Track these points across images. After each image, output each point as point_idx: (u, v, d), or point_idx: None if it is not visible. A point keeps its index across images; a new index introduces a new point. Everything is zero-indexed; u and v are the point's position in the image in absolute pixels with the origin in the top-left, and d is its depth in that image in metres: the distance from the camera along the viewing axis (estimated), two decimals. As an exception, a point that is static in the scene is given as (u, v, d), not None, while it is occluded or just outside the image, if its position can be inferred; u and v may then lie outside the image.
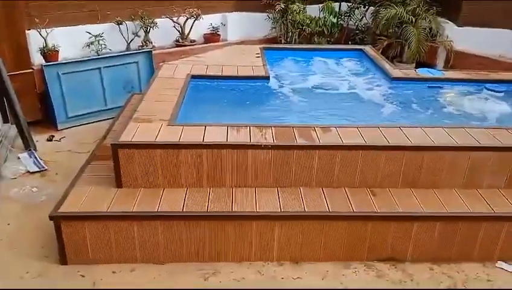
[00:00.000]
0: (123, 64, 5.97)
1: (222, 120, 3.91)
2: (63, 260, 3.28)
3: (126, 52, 6.12)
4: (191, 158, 3.42)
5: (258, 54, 5.88)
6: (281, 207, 3.35)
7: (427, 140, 3.60)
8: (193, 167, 3.44)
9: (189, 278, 3.23)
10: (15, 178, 4.41)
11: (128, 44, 6.37)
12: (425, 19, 7.17)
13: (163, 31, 6.68)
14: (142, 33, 6.48)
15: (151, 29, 6.50)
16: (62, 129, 5.51)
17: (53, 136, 5.34)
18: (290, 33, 7.69)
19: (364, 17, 8.16)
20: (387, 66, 5.57)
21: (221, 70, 5.18)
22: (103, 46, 6.04)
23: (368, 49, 6.34)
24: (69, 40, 5.83)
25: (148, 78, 5.57)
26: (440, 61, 7.42)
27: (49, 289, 3.08)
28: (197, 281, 3.21)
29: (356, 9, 8.11)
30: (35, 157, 4.72)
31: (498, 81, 5.12)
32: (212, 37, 7.33)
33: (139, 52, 6.15)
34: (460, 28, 7.23)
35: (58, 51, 5.69)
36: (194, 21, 6.91)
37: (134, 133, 3.53)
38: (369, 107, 4.71)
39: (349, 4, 8.17)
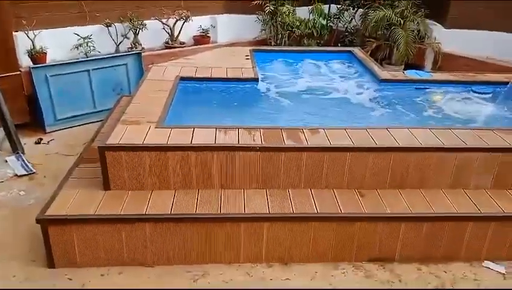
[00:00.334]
0: (112, 66, 5.95)
1: (211, 122, 3.91)
2: (51, 263, 3.26)
3: (115, 54, 6.10)
4: (179, 160, 3.41)
5: (248, 56, 5.88)
6: (269, 208, 3.36)
7: (414, 141, 3.63)
8: (181, 169, 3.43)
9: (178, 280, 3.22)
10: (2, 181, 4.37)
11: (117, 46, 6.35)
12: (413, 21, 7.23)
13: (152, 33, 6.67)
14: (131, 35, 6.47)
15: (141, 31, 6.49)
16: (50, 132, 5.48)
17: (41, 138, 5.30)
18: (280, 35, 7.72)
19: (353, 19, 8.21)
20: (375, 68, 5.60)
21: (211, 72, 5.18)
22: (92, 48, 6.01)
23: (356, 51, 6.38)
24: (57, 42, 5.80)
25: (137, 80, 5.55)
26: (428, 63, 7.50)
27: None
28: (185, 283, 3.20)
29: (345, 12, 8.17)
30: (23, 161, 4.68)
31: (485, 83, 5.17)
32: (201, 39, 7.33)
33: (128, 54, 6.13)
34: (447, 30, 7.31)
35: (46, 53, 5.65)
36: (184, 23, 6.91)
37: (121, 135, 3.51)
38: (357, 109, 4.74)
39: (338, 6, 8.22)
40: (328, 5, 8.22)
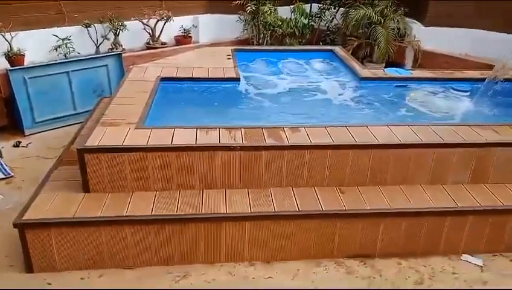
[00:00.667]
0: (92, 67, 5.89)
1: (192, 122, 3.90)
2: (29, 268, 3.21)
3: (95, 56, 6.03)
4: (159, 161, 3.39)
5: (229, 55, 5.88)
6: (251, 208, 3.36)
7: (394, 138, 3.67)
8: (162, 170, 3.41)
9: (159, 281, 3.21)
10: (-21, 186, 4.30)
11: (97, 47, 6.29)
12: (393, 19, 7.32)
13: (133, 34, 6.62)
14: (111, 36, 6.41)
15: (121, 31, 6.44)
16: (29, 135, 5.40)
17: (20, 142, 5.22)
18: (262, 34, 7.73)
19: (334, 18, 8.27)
20: (356, 66, 5.65)
21: (192, 72, 5.16)
22: (71, 49, 5.94)
23: (338, 49, 6.42)
24: (36, 44, 5.71)
25: (118, 82, 5.49)
26: (409, 60, 7.59)
27: None
28: (167, 284, 3.18)
29: (327, 11, 8.21)
30: (1, 164, 4.60)
31: (463, 80, 5.26)
32: (183, 39, 7.30)
33: (109, 55, 6.08)
34: (427, 28, 7.41)
35: (24, 55, 5.56)
36: (165, 23, 6.87)
37: (101, 137, 3.48)
38: (338, 107, 4.78)
39: (319, 5, 8.27)
40: (309, 4, 8.26)
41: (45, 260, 3.20)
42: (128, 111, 3.98)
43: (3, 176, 4.44)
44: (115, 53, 6.14)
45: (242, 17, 7.74)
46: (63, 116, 5.68)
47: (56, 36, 5.87)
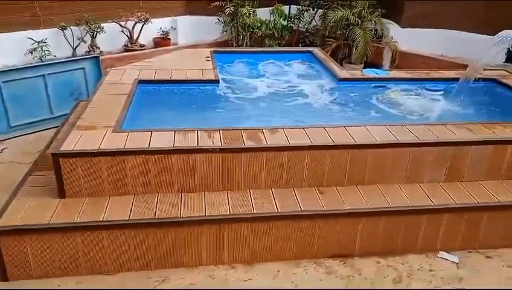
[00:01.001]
0: (69, 70, 5.79)
1: (170, 125, 3.87)
2: (4, 276, 3.14)
3: (72, 58, 5.95)
4: (136, 165, 3.36)
5: (208, 57, 5.86)
6: (231, 210, 3.36)
7: (371, 138, 3.71)
8: (139, 173, 3.38)
9: (138, 287, 3.17)
10: (-48, 193, 4.17)
11: (74, 50, 6.23)
12: (370, 20, 7.43)
13: (111, 36, 6.58)
14: (88, 38, 6.35)
15: (98, 34, 6.38)
16: (4, 140, 5.27)
17: (-6, 147, 5.11)
18: (241, 36, 7.75)
19: (313, 20, 8.35)
20: (334, 67, 5.70)
21: (170, 74, 5.13)
22: (47, 52, 5.85)
23: (316, 51, 6.47)
24: (10, 47, 5.61)
25: (96, 84, 5.42)
26: (386, 61, 7.72)
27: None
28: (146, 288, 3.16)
29: (305, 12, 8.29)
30: (-26, 170, 4.50)
31: (438, 80, 5.36)
32: (162, 41, 7.28)
33: (86, 57, 5.99)
34: (403, 29, 7.54)
35: (-3, 59, 5.46)
36: (143, 25, 6.84)
37: (77, 141, 3.43)
38: (316, 108, 4.81)
39: (298, 7, 8.33)
40: (288, 6, 8.32)
41: (20, 268, 3.13)
42: (105, 114, 3.93)
43: (-23, 183, 4.33)
44: (92, 56, 6.06)
45: (221, 18, 7.74)
46: (39, 121, 5.58)
47: (31, 39, 5.77)
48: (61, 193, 3.34)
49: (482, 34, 6.35)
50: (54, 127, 5.32)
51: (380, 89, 5.26)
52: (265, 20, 7.90)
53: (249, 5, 7.69)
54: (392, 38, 7.56)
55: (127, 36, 6.80)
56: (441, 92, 5.06)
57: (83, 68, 5.90)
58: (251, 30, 7.68)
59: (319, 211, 3.40)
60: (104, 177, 3.34)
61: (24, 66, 5.49)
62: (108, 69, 5.37)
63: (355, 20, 7.32)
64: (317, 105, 4.87)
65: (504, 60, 6.61)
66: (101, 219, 3.16)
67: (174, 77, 5.06)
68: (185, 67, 5.39)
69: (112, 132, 3.61)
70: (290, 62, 6.19)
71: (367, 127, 3.91)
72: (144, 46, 7.03)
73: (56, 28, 6.01)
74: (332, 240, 3.47)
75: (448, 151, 3.72)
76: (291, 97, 5.08)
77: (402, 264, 3.48)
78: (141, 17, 6.74)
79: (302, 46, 8.06)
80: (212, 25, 7.78)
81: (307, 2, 8.21)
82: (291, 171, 3.60)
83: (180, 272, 3.32)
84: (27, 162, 4.58)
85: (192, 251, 3.33)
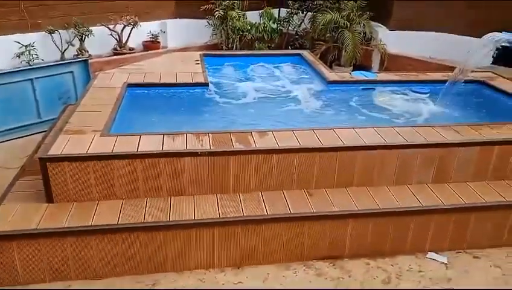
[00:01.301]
0: (57, 74, 5.75)
1: (159, 129, 3.86)
2: (-10, 283, 3.11)
3: (60, 62, 5.91)
4: (125, 169, 3.34)
5: (198, 60, 5.86)
6: (220, 213, 3.36)
7: (359, 140, 3.73)
8: (128, 177, 3.36)
9: (128, 291, 3.16)
10: None
11: (62, 53, 6.19)
12: (359, 23, 7.47)
13: (99, 40, 6.55)
14: (76, 42, 6.31)
15: (87, 37, 6.35)
16: (-9, 144, 5.23)
17: (-19, 152, 5.05)
18: (231, 39, 7.76)
19: (302, 23, 8.39)
20: (324, 70, 5.73)
21: (160, 78, 5.12)
22: (35, 56, 5.81)
23: (306, 53, 6.49)
24: (-3, 51, 5.57)
25: (85, 88, 5.40)
26: (375, 63, 7.77)
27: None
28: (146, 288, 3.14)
29: (295, 15, 8.33)
30: (-39, 176, 4.44)
31: (426, 82, 5.41)
32: (151, 45, 7.26)
33: (74, 61, 5.96)
34: (392, 31, 7.61)
35: (-16, 63, 5.41)
36: (132, 29, 6.81)
37: (64, 145, 3.40)
38: (305, 110, 4.82)
39: (288, 10, 8.37)
40: (277, 9, 8.35)
41: (7, 274, 3.10)
42: (93, 118, 3.91)
43: (-37, 188, 4.27)
44: (80, 59, 6.03)
45: (211, 21, 7.75)
46: (27, 125, 5.53)
47: (19, 43, 5.72)
48: (49, 198, 3.31)
49: (469, 36, 6.42)
50: (43, 132, 5.28)
51: (369, 92, 5.30)
52: (255, 23, 7.92)
53: (238, 8, 7.70)
54: (380, 40, 7.62)
55: (116, 40, 6.78)
56: (429, 94, 5.12)
57: (71, 72, 5.86)
58: (241, 33, 7.69)
59: (309, 214, 3.42)
60: (92, 181, 3.32)
61: (11, 70, 5.45)
62: (97, 73, 5.35)
63: (344, 23, 7.37)
64: (307, 107, 4.88)
65: (491, 62, 6.69)
66: (90, 224, 3.14)
67: (164, 80, 5.05)
68: (174, 70, 5.38)
69: (100, 135, 3.59)
70: (279, 65, 6.21)
71: (355, 129, 3.93)
72: (133, 49, 7.00)
73: (44, 32, 5.97)
74: (321, 242, 3.48)
75: (436, 153, 3.76)
76: (280, 100, 5.09)
77: (391, 265, 3.50)
78: (130, 21, 6.72)
79: (291, 49, 8.10)
80: (202, 28, 7.78)
81: (296, 5, 8.25)
82: (280, 174, 3.61)
83: (170, 276, 3.31)
84: (15, 167, 4.52)
85: (182, 254, 3.32)
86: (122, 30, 6.73)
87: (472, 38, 5.88)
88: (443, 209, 3.55)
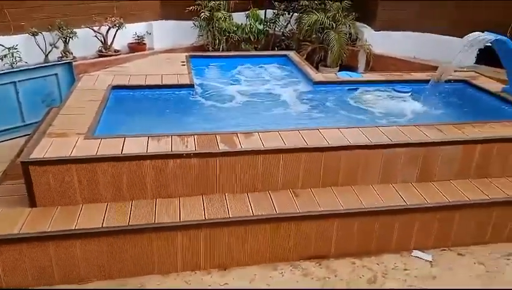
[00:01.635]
0: (41, 77, 5.69)
1: (144, 131, 3.84)
2: (-28, 289, 3.06)
3: (43, 64, 5.84)
4: (109, 172, 3.32)
5: (184, 62, 5.84)
6: (206, 215, 3.34)
7: (344, 140, 3.75)
8: (112, 180, 3.34)
9: (113, 295, 3.13)
10: None
11: (46, 56, 6.11)
12: (345, 24, 7.52)
13: (84, 42, 6.49)
14: (61, 44, 6.24)
15: (71, 39, 6.28)
16: (-27, 149, 5.14)
17: (-37, 156, 4.96)
18: (217, 40, 7.75)
19: (289, 24, 8.41)
20: (309, 70, 5.75)
21: (145, 79, 5.10)
22: (18, 58, 5.73)
23: (292, 54, 6.51)
24: (-21, 54, 5.49)
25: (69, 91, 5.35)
26: (361, 64, 7.83)
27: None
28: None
29: (281, 16, 8.34)
30: None
31: (411, 81, 5.46)
32: (137, 46, 7.22)
33: (58, 63, 5.89)
34: (377, 32, 7.67)
35: (-35, 66, 5.33)
36: (117, 30, 6.76)
37: (47, 148, 3.36)
38: (291, 111, 4.84)
39: (274, 11, 8.38)
40: (264, 10, 8.36)
41: (-11, 280, 3.06)
42: (77, 121, 3.88)
43: None
44: (64, 61, 5.97)
45: (196, 23, 7.72)
46: (11, 128, 5.46)
47: (1, 45, 5.64)
48: (32, 202, 3.27)
49: (453, 36, 6.50)
50: (26, 135, 5.21)
51: (354, 92, 5.33)
52: (241, 24, 7.92)
53: (224, 9, 7.70)
54: (366, 41, 7.68)
55: (101, 41, 6.72)
56: (413, 94, 5.16)
57: (55, 74, 5.80)
58: (227, 34, 7.69)
59: (294, 214, 3.42)
60: (75, 185, 3.29)
61: (-7, 73, 5.37)
62: (81, 75, 5.30)
63: (329, 24, 7.41)
64: (292, 108, 4.90)
65: (474, 62, 6.79)
66: (74, 227, 3.11)
67: (149, 82, 5.03)
68: (160, 72, 5.36)
69: (84, 138, 3.56)
70: (265, 66, 6.22)
71: (340, 129, 3.95)
72: (118, 51, 6.95)
73: (27, 34, 5.89)
74: (308, 242, 3.49)
75: (420, 152, 3.80)
76: (266, 101, 5.10)
77: (377, 264, 3.53)
78: (115, 22, 6.67)
79: (278, 50, 8.11)
80: (188, 30, 7.76)
81: (283, 6, 8.27)
82: (266, 175, 3.61)
83: (156, 279, 3.29)
84: (-3, 171, 4.47)
85: (167, 257, 3.30)
86: (107, 32, 6.68)
87: (456, 38, 5.95)
88: (427, 208, 3.59)
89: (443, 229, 3.68)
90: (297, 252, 3.50)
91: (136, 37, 7.22)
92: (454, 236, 3.71)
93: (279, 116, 4.68)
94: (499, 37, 4.59)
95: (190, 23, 7.77)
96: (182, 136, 3.68)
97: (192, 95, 5.02)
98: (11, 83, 5.41)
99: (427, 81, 5.15)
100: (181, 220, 3.29)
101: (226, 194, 3.59)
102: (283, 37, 8.44)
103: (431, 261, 3.56)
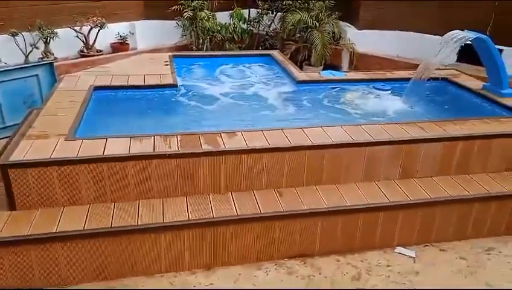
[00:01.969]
0: (21, 78, 5.58)
1: (127, 131, 3.80)
2: (-50, 295, 2.99)
3: (24, 65, 5.74)
4: (90, 173, 3.28)
5: (167, 62, 5.81)
6: (189, 215, 3.33)
7: (327, 139, 3.77)
8: (93, 182, 3.30)
9: (95, 298, 3.10)
10: None
11: (27, 56, 6.01)
12: (328, 23, 7.56)
13: (66, 42, 6.41)
14: (41, 44, 6.15)
15: (52, 40, 6.19)
16: (-48, 152, 5.02)
17: None
18: (201, 40, 7.72)
19: (273, 23, 8.42)
20: (293, 69, 5.77)
21: (127, 80, 5.05)
22: (-3, 59, 5.64)
23: (275, 54, 6.52)
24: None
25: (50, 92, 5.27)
26: (345, 63, 7.88)
27: None
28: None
29: (265, 16, 8.35)
30: None
31: (393, 80, 5.51)
32: (120, 46, 7.15)
33: (39, 64, 5.79)
34: (360, 31, 7.72)
35: None
36: (99, 30, 6.69)
37: (27, 150, 3.31)
38: (274, 110, 4.85)
39: (258, 10, 8.38)
40: (247, 10, 8.35)
41: (-32, 285, 3.00)
42: (58, 122, 3.82)
43: None
44: (45, 62, 5.87)
45: (180, 22, 7.68)
46: (-10, 131, 5.36)
47: (-21, 46, 5.55)
48: (12, 205, 3.21)
49: (436, 34, 6.57)
50: (6, 137, 5.12)
51: (337, 90, 5.36)
52: (225, 23, 7.90)
53: (207, 9, 7.67)
54: (349, 40, 7.73)
55: (83, 42, 6.64)
56: (395, 92, 5.21)
57: (36, 75, 5.70)
58: (211, 34, 7.66)
59: (279, 213, 3.43)
60: (56, 187, 3.24)
61: (-28, 74, 5.26)
62: (62, 76, 5.23)
63: (313, 23, 7.44)
64: (276, 107, 4.91)
65: (456, 60, 6.89)
66: (55, 231, 3.06)
67: (132, 83, 4.98)
68: (142, 72, 5.32)
69: (65, 140, 3.51)
70: (249, 65, 6.22)
71: (323, 128, 3.97)
72: (101, 51, 6.87)
73: (6, 35, 5.79)
74: (292, 241, 3.50)
75: (402, 150, 3.84)
76: (250, 100, 5.10)
77: (361, 261, 3.55)
78: (97, 22, 6.60)
79: (262, 49, 8.12)
80: (171, 29, 7.71)
81: (266, 6, 8.28)
82: (250, 174, 3.61)
83: (140, 280, 3.27)
84: (-23, 175, 4.38)
85: (151, 258, 3.28)
86: (89, 32, 6.60)
87: (438, 36, 6.02)
88: (410, 204, 3.63)
89: (425, 225, 3.72)
90: (282, 251, 3.51)
91: (119, 37, 7.15)
92: (436, 232, 3.76)
93: (263, 116, 4.68)
94: (479, 35, 4.66)
95: (173, 22, 7.73)
96: (165, 136, 3.65)
97: (176, 95, 4.99)
98: (-10, 84, 5.31)
99: (409, 80, 5.20)
100: (164, 221, 3.26)
101: (210, 194, 3.57)
102: (267, 37, 8.45)
103: (414, 257, 3.60)
